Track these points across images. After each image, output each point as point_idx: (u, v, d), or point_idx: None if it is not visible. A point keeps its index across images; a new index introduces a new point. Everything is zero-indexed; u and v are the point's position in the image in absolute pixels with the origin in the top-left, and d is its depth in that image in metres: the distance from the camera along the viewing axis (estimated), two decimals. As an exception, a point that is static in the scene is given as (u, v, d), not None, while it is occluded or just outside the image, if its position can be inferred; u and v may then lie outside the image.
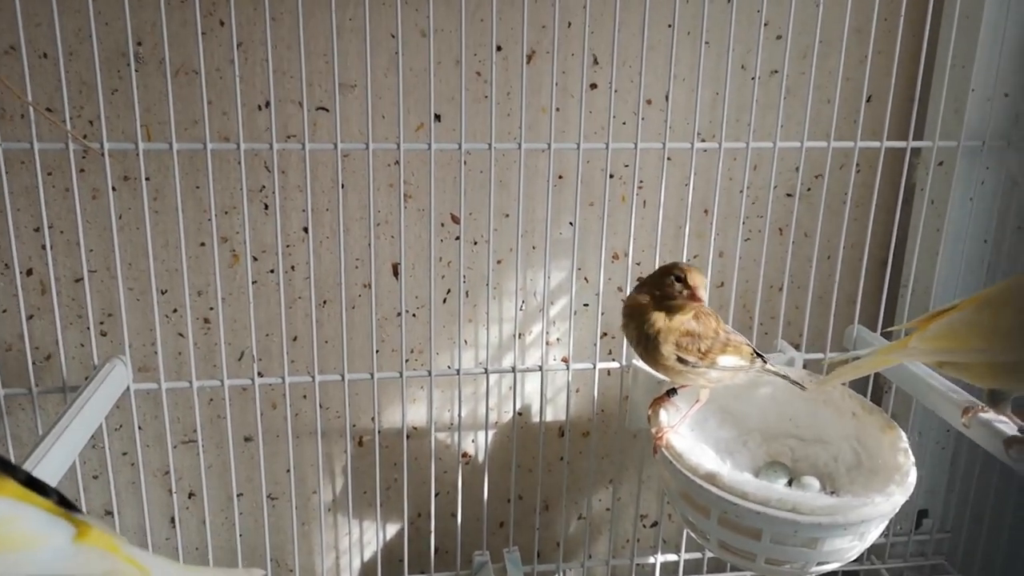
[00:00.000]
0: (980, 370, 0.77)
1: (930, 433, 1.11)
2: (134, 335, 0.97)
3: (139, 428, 0.96)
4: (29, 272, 0.95)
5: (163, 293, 0.97)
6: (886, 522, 0.78)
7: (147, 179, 0.91)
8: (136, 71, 0.88)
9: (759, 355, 0.86)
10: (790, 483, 0.86)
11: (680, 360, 0.80)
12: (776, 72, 1.01)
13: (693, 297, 0.77)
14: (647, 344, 0.80)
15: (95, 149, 0.83)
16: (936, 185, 1.02)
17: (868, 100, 0.99)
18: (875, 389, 1.06)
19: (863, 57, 0.95)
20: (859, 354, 0.87)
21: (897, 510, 0.77)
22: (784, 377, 0.89)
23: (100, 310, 0.96)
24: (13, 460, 0.72)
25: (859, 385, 1.02)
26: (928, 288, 1.05)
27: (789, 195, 1.04)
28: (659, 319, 0.79)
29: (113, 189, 0.88)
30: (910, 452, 0.82)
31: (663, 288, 0.79)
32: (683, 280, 0.78)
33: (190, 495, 1.06)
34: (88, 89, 0.89)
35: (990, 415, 0.80)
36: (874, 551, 1.12)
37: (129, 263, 0.95)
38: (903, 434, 0.85)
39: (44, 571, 0.42)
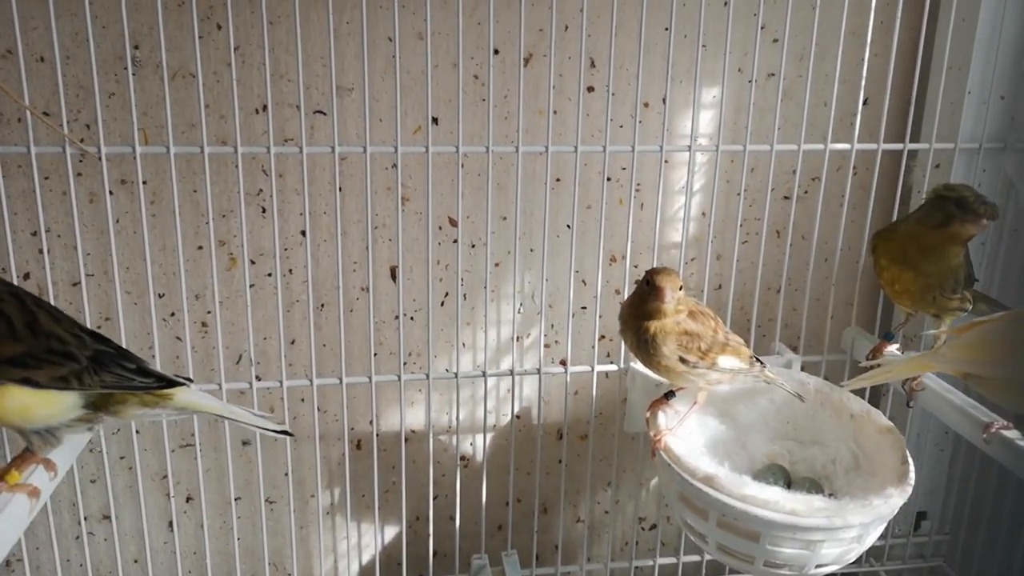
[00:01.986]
0: (1003, 389, 0.77)
1: (928, 435, 1.11)
2: (131, 339, 0.97)
3: (137, 432, 0.96)
4: (26, 276, 0.94)
5: (160, 297, 0.97)
6: (884, 524, 0.78)
7: (144, 183, 0.91)
8: (133, 75, 0.88)
9: (758, 360, 0.86)
10: (788, 485, 0.86)
11: (682, 360, 0.80)
12: (773, 75, 1.01)
13: (657, 296, 0.78)
14: (647, 348, 0.81)
15: (92, 153, 0.83)
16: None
17: (865, 103, 0.99)
18: (873, 391, 1.06)
19: (860, 60, 0.96)
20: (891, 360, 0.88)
21: (895, 512, 0.77)
22: (781, 386, 0.89)
23: (97, 314, 0.96)
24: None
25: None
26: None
27: (786, 197, 1.04)
28: (651, 323, 0.80)
29: (110, 193, 0.88)
30: (908, 454, 0.82)
31: (641, 293, 0.80)
32: (651, 282, 0.79)
33: (188, 499, 1.06)
34: (85, 93, 0.89)
35: (1013, 432, 0.80)
36: (872, 553, 1.12)
37: (126, 267, 0.95)
38: (901, 436, 0.85)
39: None
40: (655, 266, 0.82)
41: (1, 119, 0.88)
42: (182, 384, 0.71)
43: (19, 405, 0.64)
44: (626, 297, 0.87)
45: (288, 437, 0.76)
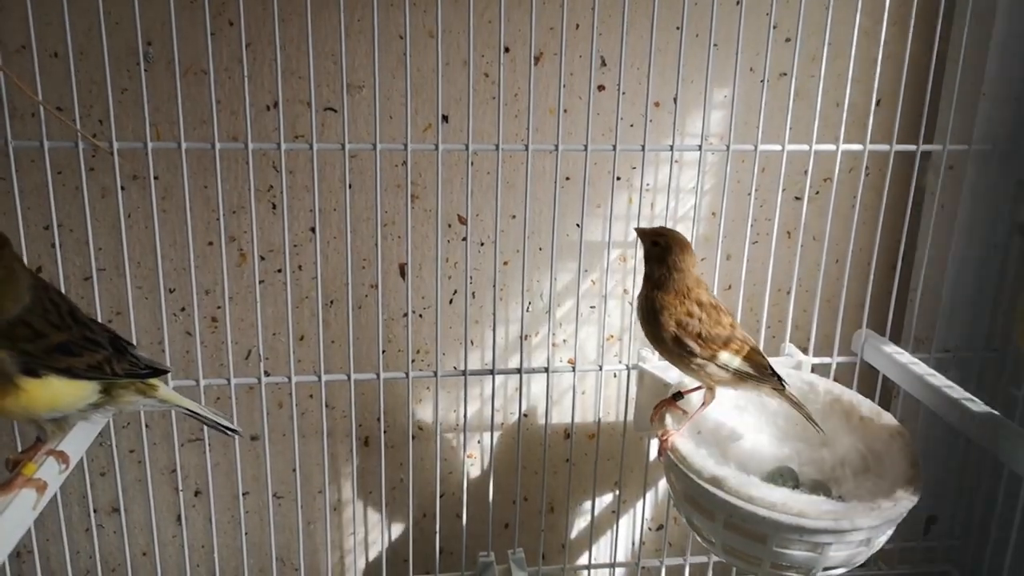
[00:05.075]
0: None
1: (938, 438, 1.10)
2: (142, 333, 0.97)
3: (146, 426, 0.96)
4: (39, 270, 0.95)
5: (171, 292, 0.98)
6: (893, 528, 0.78)
7: (156, 178, 0.91)
8: (145, 70, 0.88)
9: (779, 379, 0.84)
10: (797, 487, 0.85)
11: (677, 341, 0.80)
12: (785, 74, 1.01)
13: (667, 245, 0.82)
14: (651, 319, 0.82)
15: (104, 148, 0.83)
16: (946, 189, 1.02)
17: (878, 103, 0.99)
18: (883, 394, 1.06)
19: (873, 60, 0.95)
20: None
21: (904, 516, 0.76)
22: (801, 410, 0.86)
23: (109, 308, 0.97)
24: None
25: (867, 390, 1.01)
26: (938, 293, 1.04)
27: (797, 198, 1.04)
28: (659, 295, 0.82)
29: (122, 188, 0.88)
30: (918, 457, 0.81)
31: (648, 257, 0.83)
32: (658, 242, 0.82)
33: (196, 493, 1.06)
34: (98, 88, 0.90)
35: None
36: (882, 557, 1.11)
37: (137, 262, 0.96)
38: (911, 439, 0.84)
39: None
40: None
41: (15, 114, 0.89)
42: (167, 371, 0.73)
43: (52, 394, 0.65)
44: (635, 295, 0.87)
45: (237, 436, 0.83)
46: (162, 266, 0.88)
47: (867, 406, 0.90)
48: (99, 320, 0.90)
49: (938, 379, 0.91)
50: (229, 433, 0.80)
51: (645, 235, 0.84)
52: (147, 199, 0.93)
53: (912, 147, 0.96)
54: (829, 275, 1.04)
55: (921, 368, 0.94)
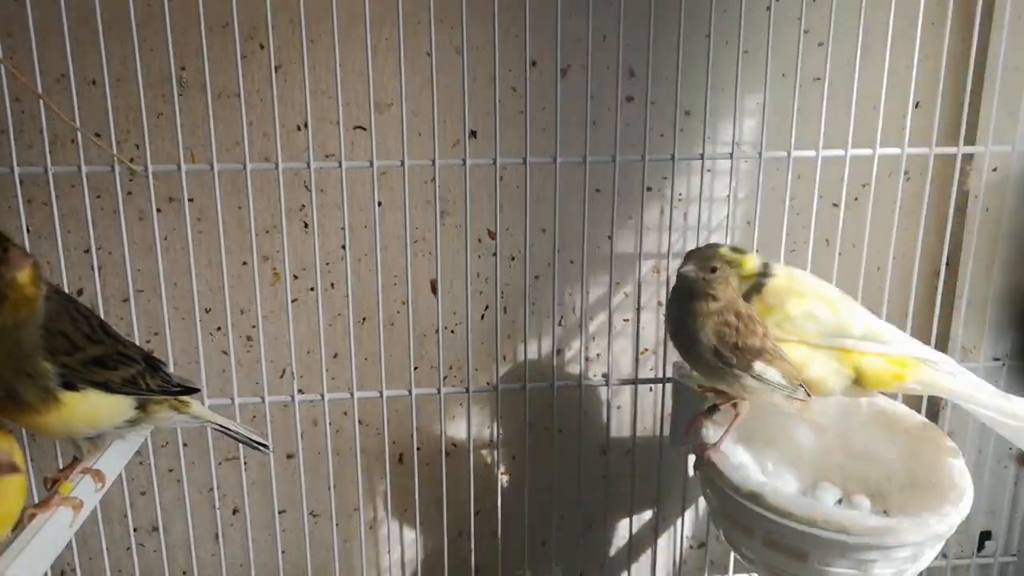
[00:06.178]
0: None
1: (990, 451, 1.06)
2: (179, 353, 0.99)
3: (184, 445, 0.97)
4: (79, 292, 0.97)
5: (207, 312, 0.99)
6: (941, 544, 0.75)
7: (190, 200, 0.93)
8: (179, 95, 0.90)
9: (806, 390, 0.83)
10: (839, 502, 0.83)
11: (716, 353, 0.78)
12: (818, 79, 0.99)
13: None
14: (686, 331, 0.79)
15: (140, 171, 0.85)
16: (990, 192, 0.98)
17: (916, 105, 0.96)
18: (930, 405, 1.02)
19: (909, 61, 0.92)
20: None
21: (952, 531, 0.73)
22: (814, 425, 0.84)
23: (147, 329, 0.99)
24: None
25: (913, 401, 0.98)
26: (984, 300, 1.01)
27: (835, 205, 1.01)
28: (697, 306, 0.78)
29: (158, 210, 0.90)
30: (966, 471, 0.78)
31: (696, 280, 0.79)
32: (718, 266, 0.78)
33: (234, 511, 1.07)
34: (134, 113, 0.92)
35: None
36: (933, 574, 1.07)
37: (174, 283, 0.97)
38: (959, 452, 0.81)
39: None
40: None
41: (55, 141, 0.91)
42: (198, 390, 0.74)
43: (91, 408, 0.66)
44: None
45: (268, 451, 0.85)
46: (197, 286, 0.90)
47: (913, 417, 0.87)
48: (137, 341, 0.92)
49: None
50: (260, 449, 0.80)
51: (699, 269, 0.79)
52: (182, 221, 0.94)
53: (953, 149, 0.94)
54: (870, 283, 1.01)
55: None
